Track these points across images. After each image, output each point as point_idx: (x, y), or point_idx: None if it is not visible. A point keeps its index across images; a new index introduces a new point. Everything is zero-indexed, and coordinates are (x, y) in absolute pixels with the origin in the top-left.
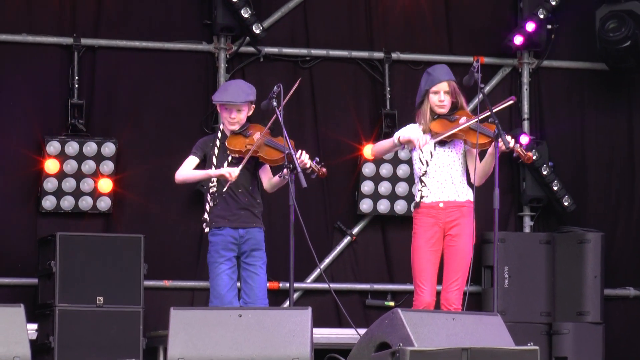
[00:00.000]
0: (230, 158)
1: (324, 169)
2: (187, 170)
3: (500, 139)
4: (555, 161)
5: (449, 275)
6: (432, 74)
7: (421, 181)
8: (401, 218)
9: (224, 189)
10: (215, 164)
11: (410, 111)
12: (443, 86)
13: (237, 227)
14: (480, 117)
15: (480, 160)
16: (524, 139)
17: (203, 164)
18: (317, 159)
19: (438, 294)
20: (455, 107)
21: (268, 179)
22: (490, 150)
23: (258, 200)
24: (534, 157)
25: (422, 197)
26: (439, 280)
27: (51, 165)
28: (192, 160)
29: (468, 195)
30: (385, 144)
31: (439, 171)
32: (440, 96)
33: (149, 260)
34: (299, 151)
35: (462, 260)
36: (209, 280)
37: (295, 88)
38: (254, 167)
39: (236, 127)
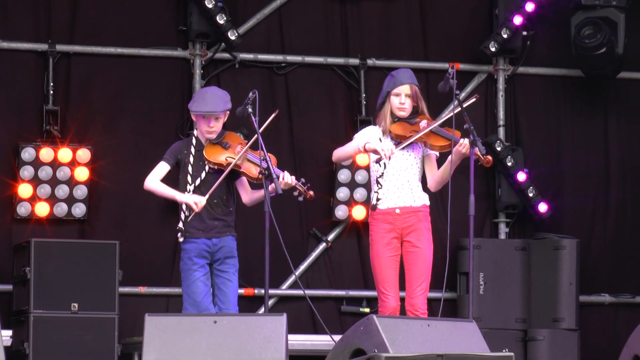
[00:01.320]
0: (207, 168)
1: (311, 192)
2: (156, 180)
3: (476, 146)
4: (531, 167)
5: (411, 281)
6: (395, 76)
7: (377, 183)
8: None
9: (189, 218)
10: (191, 172)
11: None
12: (405, 89)
13: (211, 237)
14: (441, 121)
15: (439, 167)
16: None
17: (175, 171)
18: (303, 180)
19: (402, 299)
20: (416, 111)
21: (247, 194)
22: (450, 157)
23: (231, 209)
24: (509, 164)
25: (378, 199)
26: (401, 286)
27: (26, 172)
28: (163, 167)
29: (424, 199)
30: (348, 150)
31: (396, 174)
32: (401, 98)
33: (124, 267)
34: (282, 173)
35: (423, 266)
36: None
37: (272, 119)
38: (229, 177)
39: (213, 136)
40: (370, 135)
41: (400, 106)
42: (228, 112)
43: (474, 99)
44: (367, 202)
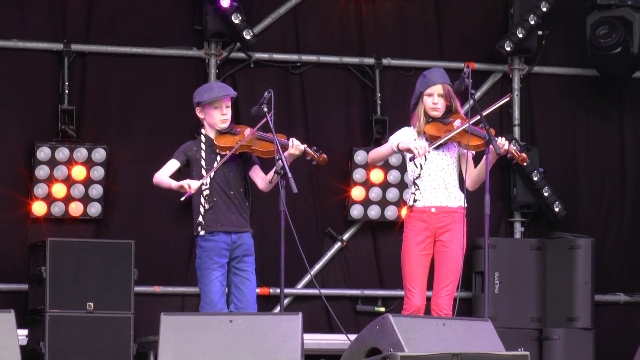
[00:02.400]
0: (219, 158)
1: (324, 155)
2: (163, 174)
3: (490, 145)
4: (546, 167)
5: (439, 280)
6: (428, 76)
7: (415, 184)
8: (392, 224)
9: (182, 199)
10: (204, 166)
11: (401, 117)
12: (437, 89)
13: (230, 231)
14: (473, 120)
15: (476, 165)
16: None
17: (185, 168)
18: (315, 147)
19: (428, 299)
20: (449, 111)
21: (261, 179)
22: (485, 156)
23: (247, 203)
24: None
25: (415, 200)
26: (429, 286)
27: (41, 171)
28: (172, 164)
29: (460, 201)
30: (382, 151)
31: (432, 175)
32: (434, 99)
33: (139, 266)
34: (291, 139)
35: (453, 266)
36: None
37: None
38: (243, 169)
39: (227, 125)
40: (405, 136)
41: (433, 106)
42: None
43: (507, 99)
44: (381, 202)
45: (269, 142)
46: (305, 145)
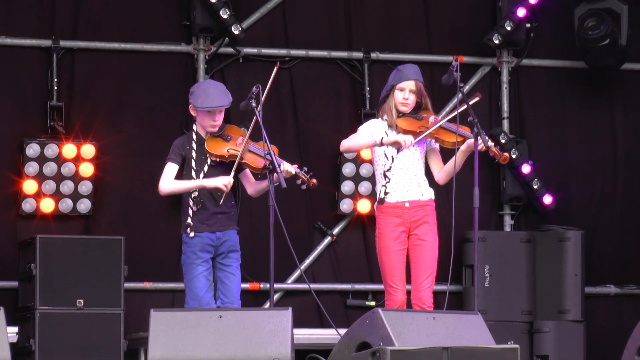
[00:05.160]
0: (209, 161)
1: (314, 180)
2: (172, 181)
3: (479, 138)
4: (536, 160)
5: (418, 274)
6: (402, 70)
7: (385, 176)
8: None
9: (221, 201)
10: (194, 167)
11: None
12: (409, 84)
13: (215, 230)
14: (451, 117)
15: (445, 161)
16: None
17: (182, 169)
18: (305, 169)
19: (408, 292)
20: (419, 107)
21: (251, 185)
22: (464, 148)
23: (233, 202)
24: (513, 156)
25: (386, 193)
26: (407, 280)
27: (31, 168)
28: (172, 168)
29: (430, 194)
30: (361, 142)
31: (404, 169)
32: (405, 93)
33: (129, 262)
34: (282, 162)
35: (430, 259)
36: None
37: (274, 77)
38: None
39: (217, 130)
40: (376, 128)
41: (403, 101)
42: None
43: (477, 99)
44: (371, 196)
45: (260, 156)
46: (296, 166)
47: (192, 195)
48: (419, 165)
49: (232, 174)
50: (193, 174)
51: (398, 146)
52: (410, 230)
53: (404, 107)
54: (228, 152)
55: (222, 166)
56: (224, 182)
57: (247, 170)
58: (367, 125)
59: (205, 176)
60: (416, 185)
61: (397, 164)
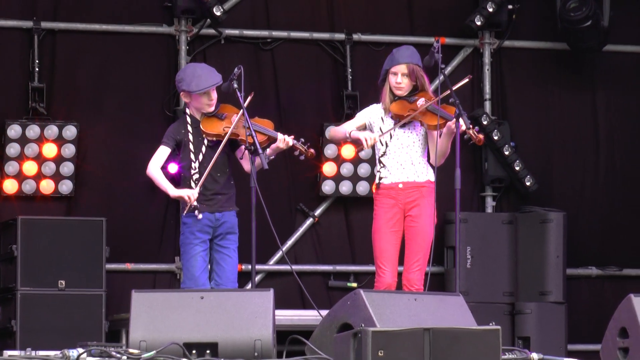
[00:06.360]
0: (206, 142)
1: (312, 150)
2: (158, 168)
3: (461, 119)
4: (518, 141)
5: (410, 256)
6: (395, 54)
7: (380, 162)
8: (363, 199)
9: (184, 212)
10: (193, 150)
11: (372, 92)
12: (401, 68)
13: (214, 211)
14: (440, 98)
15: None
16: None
17: (176, 153)
18: (302, 140)
19: (400, 274)
20: (416, 89)
21: (248, 162)
22: (444, 130)
23: (232, 182)
24: (495, 137)
25: (381, 178)
26: (401, 261)
27: (12, 149)
28: (164, 151)
29: (428, 175)
30: (339, 133)
31: (398, 152)
32: (397, 77)
33: (111, 244)
34: (280, 135)
35: (422, 241)
36: (174, 262)
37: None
38: (229, 150)
39: (213, 108)
40: (371, 113)
41: (396, 85)
42: None
43: (466, 80)
44: (354, 178)
45: (258, 132)
46: (293, 138)
47: (194, 178)
48: (415, 148)
49: (198, 188)
50: (192, 156)
51: (360, 144)
52: (405, 212)
53: (398, 91)
54: (224, 130)
55: (219, 145)
56: (188, 193)
57: (243, 147)
58: (364, 111)
59: (205, 157)
60: (410, 167)
61: (392, 148)
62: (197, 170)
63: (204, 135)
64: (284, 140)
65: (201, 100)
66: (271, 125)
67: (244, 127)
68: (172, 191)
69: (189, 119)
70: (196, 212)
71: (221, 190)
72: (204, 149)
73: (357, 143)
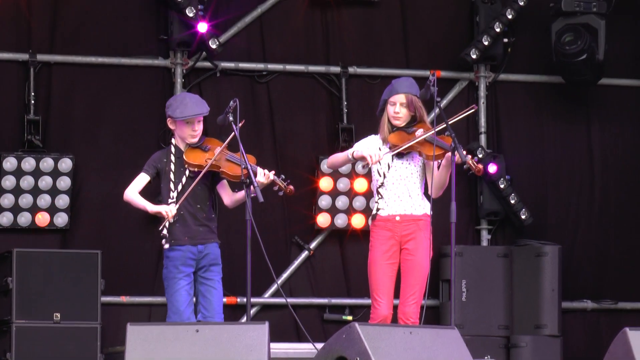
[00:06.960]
0: (188, 172)
1: (291, 187)
2: (134, 191)
3: (456, 152)
4: (513, 175)
5: (406, 289)
6: (394, 85)
7: (378, 193)
8: (359, 232)
9: (160, 228)
10: (173, 179)
11: (368, 125)
12: (400, 98)
13: (197, 243)
14: (436, 130)
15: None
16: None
17: (156, 181)
18: (283, 177)
19: (395, 307)
20: (414, 120)
21: (228, 196)
22: (443, 162)
23: (213, 215)
24: (493, 171)
25: (378, 209)
26: (396, 294)
27: (8, 182)
28: (143, 178)
29: (425, 208)
30: (339, 157)
31: (396, 184)
32: (396, 107)
33: (106, 276)
34: (261, 170)
35: (418, 274)
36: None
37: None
38: (211, 182)
39: (197, 140)
40: (369, 144)
41: (395, 115)
42: None
43: (471, 110)
44: (347, 211)
45: (237, 165)
46: (274, 172)
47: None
48: (413, 180)
49: (178, 205)
50: (171, 185)
51: (365, 161)
52: (402, 245)
53: (396, 121)
54: (206, 161)
55: (200, 177)
56: (166, 209)
57: (224, 182)
58: (362, 141)
59: (184, 187)
60: (408, 199)
61: (389, 179)
62: (174, 199)
63: (185, 165)
64: (265, 174)
65: (184, 129)
66: (254, 160)
67: (227, 160)
68: (150, 207)
69: (173, 149)
70: (163, 241)
71: (203, 223)
72: (184, 179)
73: (362, 160)
